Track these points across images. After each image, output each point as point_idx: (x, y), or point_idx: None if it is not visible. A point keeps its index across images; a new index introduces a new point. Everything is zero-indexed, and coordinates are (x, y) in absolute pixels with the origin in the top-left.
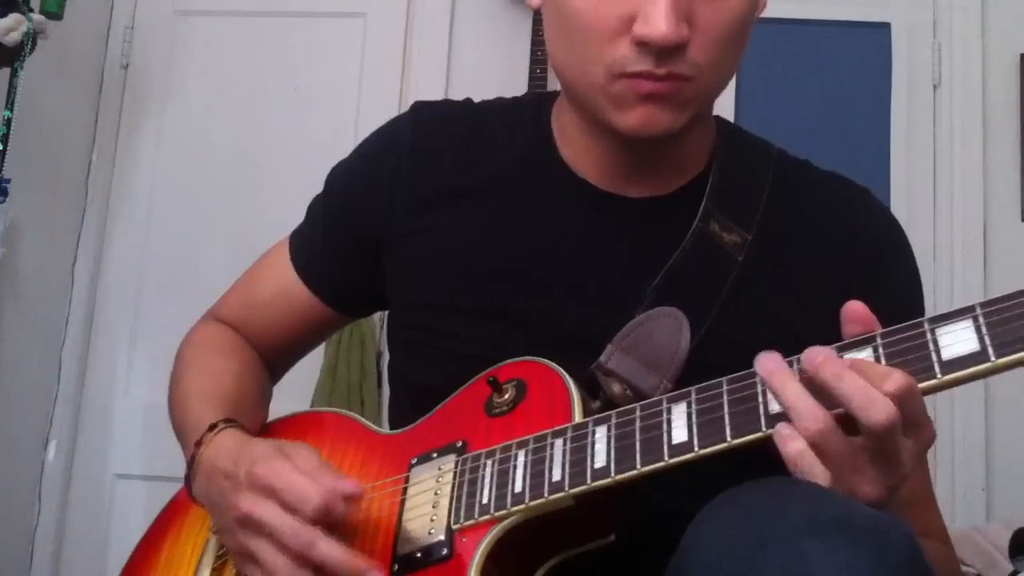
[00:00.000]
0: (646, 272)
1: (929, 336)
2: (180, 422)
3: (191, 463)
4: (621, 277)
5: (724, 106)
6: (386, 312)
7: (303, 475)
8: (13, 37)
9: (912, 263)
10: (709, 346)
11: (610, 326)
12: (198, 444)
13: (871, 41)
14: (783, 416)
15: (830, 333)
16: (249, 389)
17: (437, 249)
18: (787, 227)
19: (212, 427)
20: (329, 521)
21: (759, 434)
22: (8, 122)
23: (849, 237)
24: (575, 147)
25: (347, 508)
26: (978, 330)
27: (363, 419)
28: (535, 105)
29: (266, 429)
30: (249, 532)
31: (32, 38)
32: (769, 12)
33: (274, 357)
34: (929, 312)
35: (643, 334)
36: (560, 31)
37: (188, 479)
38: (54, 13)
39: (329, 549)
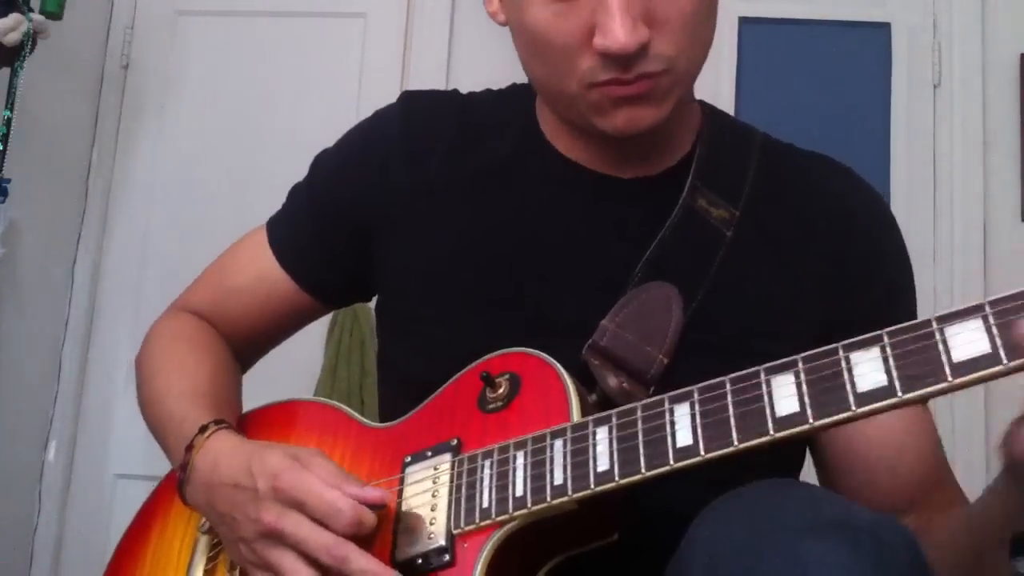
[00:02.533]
0: (637, 250)
1: (938, 336)
2: (158, 421)
3: (183, 468)
4: (613, 257)
5: (724, 106)
6: None
7: (331, 488)
8: (13, 37)
9: (901, 242)
10: (701, 320)
11: (604, 308)
12: (189, 448)
13: (871, 41)
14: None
15: (819, 308)
16: (224, 384)
17: (427, 238)
18: (774, 204)
19: (203, 429)
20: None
21: (767, 437)
22: (8, 122)
23: (837, 217)
24: (563, 135)
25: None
26: (988, 330)
27: (349, 409)
28: (522, 94)
29: (248, 419)
30: (272, 544)
31: (32, 38)
32: (769, 12)
33: (246, 347)
34: (923, 305)
35: (635, 310)
36: (527, 49)
37: (180, 485)
38: (54, 13)
39: (366, 563)
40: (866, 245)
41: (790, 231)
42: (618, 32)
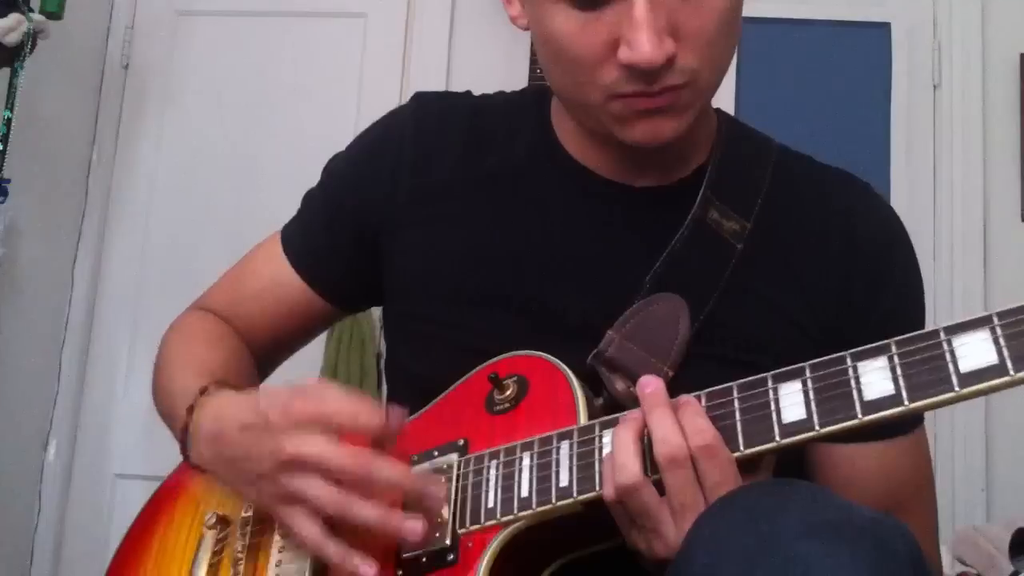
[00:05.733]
0: (647, 260)
1: (946, 346)
2: (168, 406)
3: (184, 431)
4: (622, 266)
5: (724, 106)
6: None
7: (348, 400)
8: (13, 37)
9: (913, 261)
10: (708, 333)
11: (611, 315)
12: (190, 410)
13: (871, 41)
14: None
15: (829, 324)
16: (237, 371)
17: (438, 239)
18: (787, 218)
19: (203, 391)
20: (383, 441)
21: (771, 444)
22: (8, 122)
23: (850, 233)
24: (577, 142)
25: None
26: (996, 341)
27: None
28: (536, 98)
29: None
30: (294, 473)
31: (32, 38)
32: (769, 12)
33: (262, 354)
34: (929, 313)
35: (642, 321)
36: (549, 57)
37: (184, 449)
38: (54, 13)
39: (391, 470)
40: (874, 266)
41: (801, 246)
42: (645, 46)
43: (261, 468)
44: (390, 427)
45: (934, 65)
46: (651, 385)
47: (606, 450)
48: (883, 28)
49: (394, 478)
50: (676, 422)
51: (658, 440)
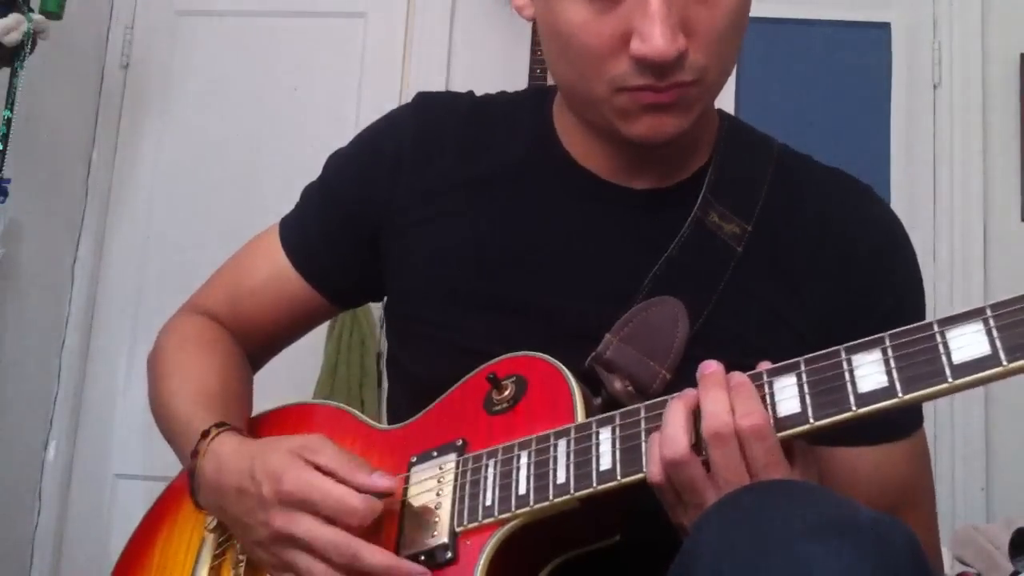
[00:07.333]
0: (646, 262)
1: (939, 338)
2: (168, 424)
3: (192, 474)
4: (621, 268)
5: (724, 106)
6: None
7: (338, 483)
8: (13, 37)
9: (913, 264)
10: (707, 336)
11: (610, 317)
12: (195, 455)
13: (871, 41)
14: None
15: (826, 330)
16: (234, 385)
17: (437, 240)
18: (787, 220)
19: (205, 434)
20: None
21: None
22: (8, 122)
23: (850, 239)
24: (578, 142)
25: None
26: (988, 333)
27: (357, 412)
28: (537, 98)
29: (258, 422)
30: (286, 546)
31: (32, 38)
32: (769, 12)
33: (257, 348)
34: (928, 313)
35: (641, 324)
36: (557, 49)
37: (192, 492)
38: (54, 13)
39: (373, 557)
40: (872, 273)
41: (800, 250)
42: (658, 39)
43: (257, 536)
44: (375, 511)
45: (934, 65)
46: (711, 367)
47: (602, 447)
48: (883, 28)
49: (379, 567)
50: (728, 400)
51: (706, 415)
